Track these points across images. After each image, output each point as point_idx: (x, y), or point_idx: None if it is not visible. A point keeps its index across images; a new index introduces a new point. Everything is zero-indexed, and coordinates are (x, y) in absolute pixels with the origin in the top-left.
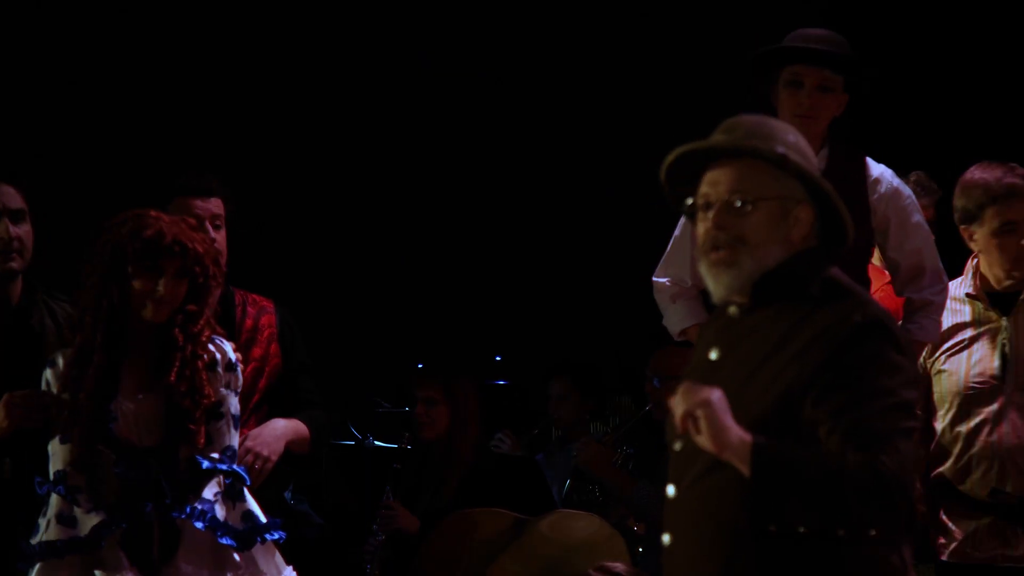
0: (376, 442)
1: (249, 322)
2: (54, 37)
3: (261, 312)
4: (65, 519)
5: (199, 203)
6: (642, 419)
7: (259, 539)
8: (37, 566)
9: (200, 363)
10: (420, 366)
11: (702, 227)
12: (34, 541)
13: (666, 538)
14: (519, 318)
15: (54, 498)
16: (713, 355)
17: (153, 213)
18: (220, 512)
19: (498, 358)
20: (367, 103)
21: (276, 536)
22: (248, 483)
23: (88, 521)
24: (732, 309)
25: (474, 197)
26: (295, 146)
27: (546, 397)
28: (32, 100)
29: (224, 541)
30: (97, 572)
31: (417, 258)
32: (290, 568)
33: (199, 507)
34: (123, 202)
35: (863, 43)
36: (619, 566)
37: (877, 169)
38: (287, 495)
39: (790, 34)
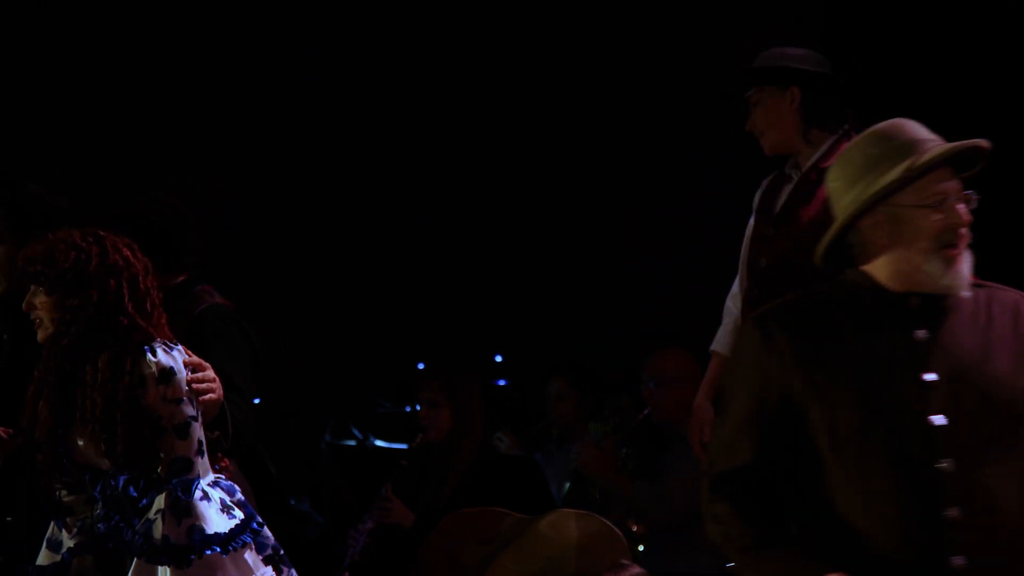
0: (377, 442)
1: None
2: (52, 40)
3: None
4: (52, 543)
5: None
6: (641, 421)
7: (194, 556)
8: None
9: (104, 393)
10: (421, 367)
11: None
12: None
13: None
14: (519, 318)
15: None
16: None
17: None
18: (158, 531)
19: (498, 358)
20: (369, 102)
21: (239, 544)
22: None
23: (68, 545)
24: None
25: (474, 198)
26: (299, 147)
27: (546, 397)
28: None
29: (163, 561)
30: None
31: (418, 258)
32: (269, 568)
33: (137, 528)
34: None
35: (863, 42)
36: (636, 568)
37: None
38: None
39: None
